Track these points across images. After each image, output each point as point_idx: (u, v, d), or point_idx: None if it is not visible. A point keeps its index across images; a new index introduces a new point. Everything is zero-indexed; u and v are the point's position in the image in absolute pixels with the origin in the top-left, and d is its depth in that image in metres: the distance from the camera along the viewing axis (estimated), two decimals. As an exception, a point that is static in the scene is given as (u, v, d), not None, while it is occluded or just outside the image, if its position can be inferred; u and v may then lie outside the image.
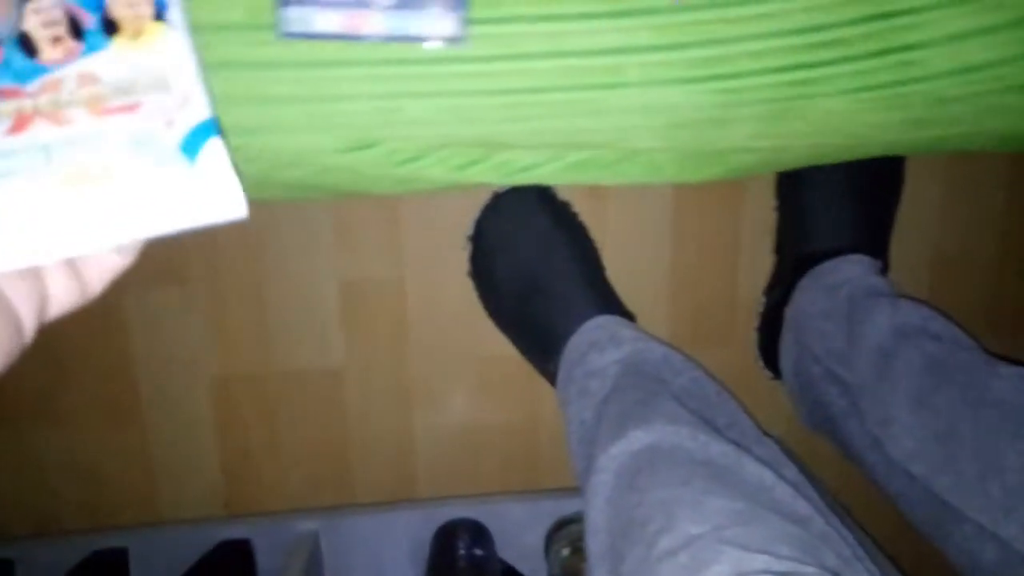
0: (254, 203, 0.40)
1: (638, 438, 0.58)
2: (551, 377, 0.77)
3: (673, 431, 0.58)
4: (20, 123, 0.22)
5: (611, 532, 0.57)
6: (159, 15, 0.23)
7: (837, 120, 0.33)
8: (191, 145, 0.22)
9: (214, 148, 0.23)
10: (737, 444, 0.58)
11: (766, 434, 0.66)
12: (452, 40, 0.29)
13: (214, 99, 0.30)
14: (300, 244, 0.79)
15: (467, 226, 0.79)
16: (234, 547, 0.75)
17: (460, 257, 0.80)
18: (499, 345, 0.82)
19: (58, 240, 0.21)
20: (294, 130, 0.31)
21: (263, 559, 0.76)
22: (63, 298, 0.23)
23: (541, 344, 0.77)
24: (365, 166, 0.33)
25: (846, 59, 0.30)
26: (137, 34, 0.23)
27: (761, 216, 0.83)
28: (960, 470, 0.58)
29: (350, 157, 0.33)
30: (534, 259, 0.76)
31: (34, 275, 0.22)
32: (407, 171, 0.34)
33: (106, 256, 0.23)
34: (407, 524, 0.79)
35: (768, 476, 0.55)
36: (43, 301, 0.22)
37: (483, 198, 0.77)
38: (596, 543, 0.58)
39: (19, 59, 0.22)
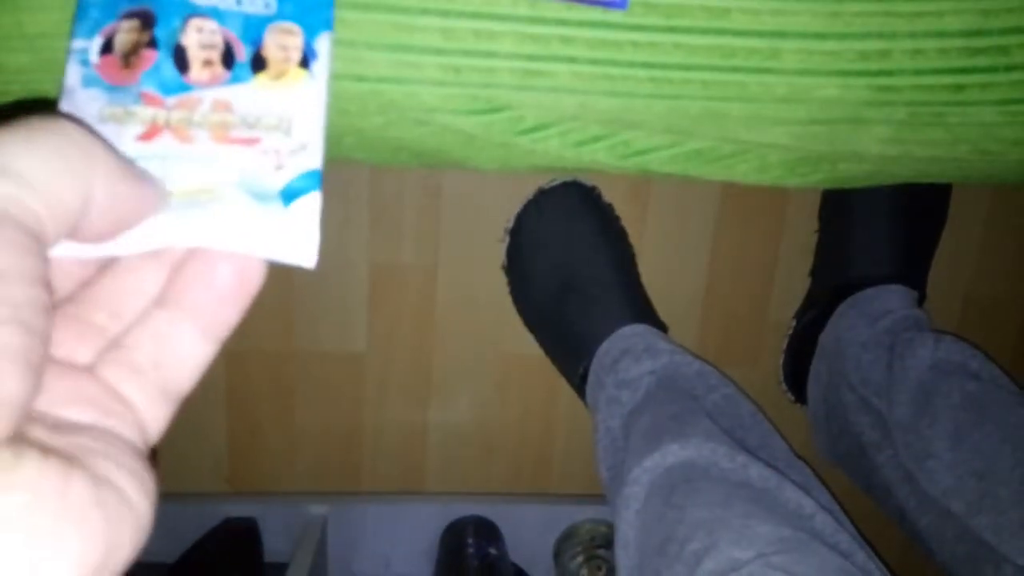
0: (357, 164, 0.38)
1: (673, 452, 0.57)
2: (575, 379, 0.76)
3: (710, 449, 0.57)
4: (151, 132, 0.23)
5: (642, 547, 0.56)
6: (305, 63, 0.24)
7: (977, 132, 0.32)
8: (291, 192, 0.23)
9: (310, 201, 0.23)
10: (768, 466, 0.57)
11: (799, 457, 0.65)
12: (613, 4, 0.28)
13: (356, 43, 0.29)
14: (335, 221, 0.77)
15: (507, 219, 0.77)
16: (239, 525, 0.73)
17: (496, 250, 0.79)
18: (523, 344, 0.81)
19: (147, 235, 0.22)
20: (429, 83, 0.30)
21: (268, 539, 0.74)
22: (159, 425, 0.23)
23: (570, 345, 0.76)
24: (485, 131, 0.32)
25: (1004, 68, 0.30)
26: (279, 76, 0.24)
27: (800, 239, 0.82)
28: (1001, 509, 0.57)
29: (474, 120, 0.31)
30: (573, 259, 0.75)
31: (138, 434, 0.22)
32: (524, 142, 0.33)
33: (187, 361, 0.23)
34: (417, 517, 0.77)
35: (807, 503, 0.54)
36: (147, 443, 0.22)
37: (526, 192, 0.76)
38: (626, 556, 0.57)
39: (169, 69, 0.24)
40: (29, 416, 0.19)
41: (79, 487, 0.17)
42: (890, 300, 0.73)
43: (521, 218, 0.76)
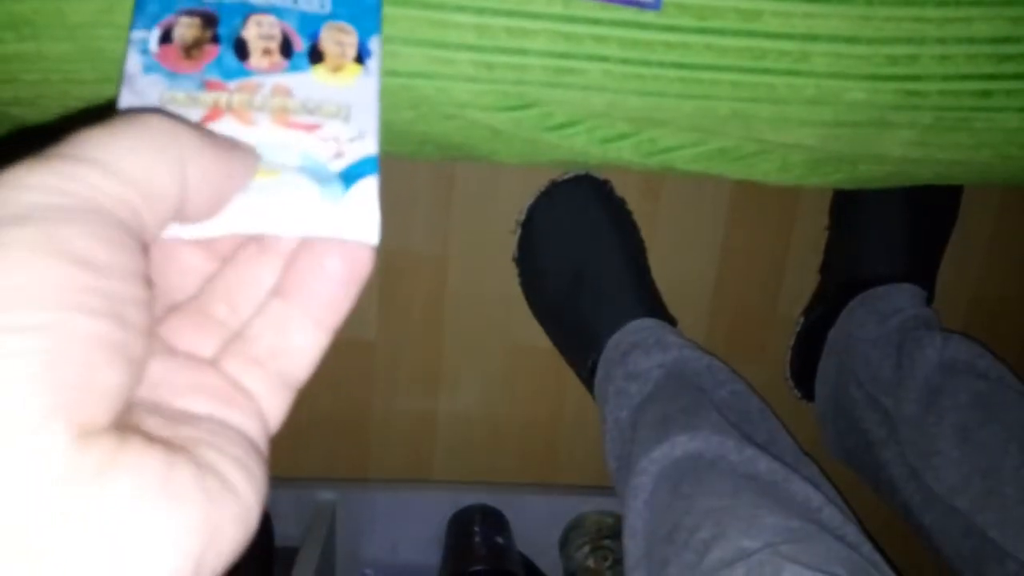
0: (388, 157, 0.38)
1: (681, 443, 0.58)
2: (584, 372, 0.76)
3: (719, 441, 0.57)
4: (213, 114, 0.24)
5: (650, 536, 0.56)
6: (360, 59, 0.26)
7: (1001, 137, 0.32)
8: (350, 176, 0.24)
9: (369, 184, 0.24)
10: (776, 460, 0.58)
11: (805, 454, 0.66)
12: (647, 5, 0.28)
13: (392, 38, 0.29)
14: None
15: (519, 210, 0.78)
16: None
17: (507, 241, 0.79)
18: (532, 336, 0.81)
19: (220, 220, 0.22)
20: (462, 79, 0.30)
21: (278, 523, 0.75)
22: (280, 414, 0.24)
23: (580, 338, 0.76)
24: (514, 127, 0.32)
25: (1030, 75, 0.30)
26: (336, 69, 0.25)
27: (810, 236, 0.83)
28: (1006, 507, 0.58)
29: (504, 116, 0.32)
30: (584, 252, 0.75)
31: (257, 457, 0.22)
32: (552, 138, 0.33)
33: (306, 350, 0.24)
34: (425, 505, 0.78)
35: (815, 496, 0.55)
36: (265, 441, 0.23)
37: (539, 184, 0.77)
38: (634, 545, 0.57)
39: (230, 59, 0.25)
40: (147, 407, 0.20)
41: (182, 473, 0.18)
42: (900, 298, 0.73)
43: (533, 210, 0.77)
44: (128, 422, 0.18)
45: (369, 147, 0.25)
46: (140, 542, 0.16)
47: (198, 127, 0.21)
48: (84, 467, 0.16)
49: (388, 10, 0.29)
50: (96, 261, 0.17)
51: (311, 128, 0.24)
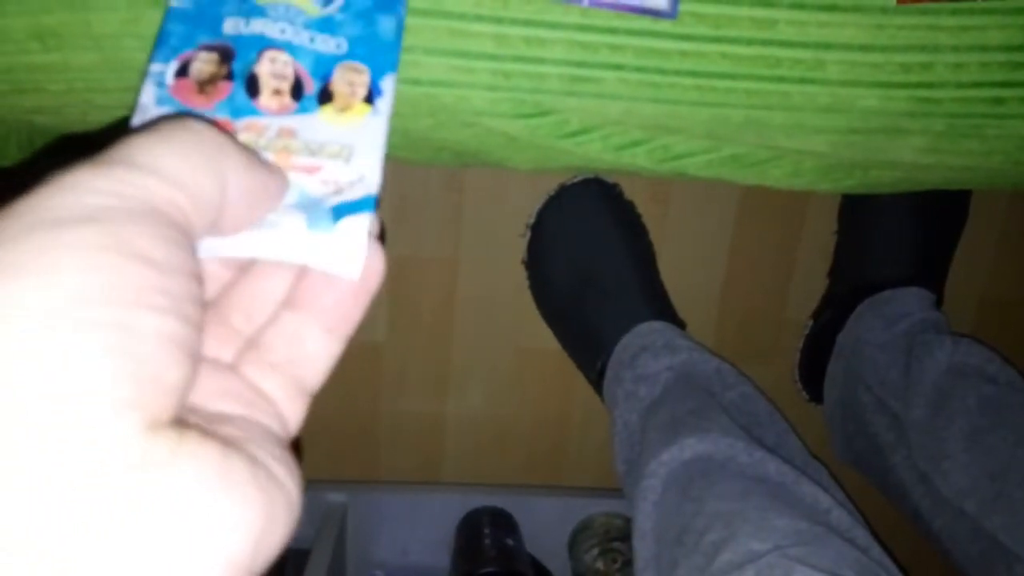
0: (402, 163, 0.39)
1: (690, 446, 0.58)
2: (592, 374, 0.77)
3: (728, 444, 0.58)
4: None
5: (660, 538, 0.57)
6: (370, 99, 0.26)
7: (1013, 143, 0.32)
8: (342, 210, 0.24)
9: (361, 219, 0.24)
10: (785, 463, 0.58)
11: (814, 457, 0.66)
12: (663, 14, 0.29)
13: (412, 48, 0.30)
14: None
15: (529, 214, 0.78)
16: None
17: (516, 245, 0.79)
18: (540, 338, 0.81)
19: (216, 247, 0.23)
20: (480, 87, 0.30)
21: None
22: (297, 418, 0.25)
23: (589, 341, 0.76)
24: (529, 134, 0.33)
25: (1043, 83, 0.30)
26: (344, 108, 0.25)
27: (819, 239, 0.83)
28: (1015, 510, 0.58)
29: (520, 123, 0.32)
30: (593, 255, 0.75)
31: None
32: (566, 144, 0.34)
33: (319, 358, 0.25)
34: (436, 507, 0.78)
35: (824, 499, 0.55)
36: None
37: (548, 188, 0.77)
38: (643, 547, 0.58)
39: (241, 97, 0.25)
40: (187, 407, 0.21)
41: (237, 464, 0.18)
42: (908, 302, 0.74)
43: (542, 214, 0.77)
44: (180, 417, 0.19)
45: (369, 188, 0.25)
46: (207, 525, 0.17)
47: (240, 144, 0.21)
48: (155, 456, 0.17)
49: (411, 20, 0.29)
50: (158, 259, 0.18)
51: (311, 170, 0.24)
